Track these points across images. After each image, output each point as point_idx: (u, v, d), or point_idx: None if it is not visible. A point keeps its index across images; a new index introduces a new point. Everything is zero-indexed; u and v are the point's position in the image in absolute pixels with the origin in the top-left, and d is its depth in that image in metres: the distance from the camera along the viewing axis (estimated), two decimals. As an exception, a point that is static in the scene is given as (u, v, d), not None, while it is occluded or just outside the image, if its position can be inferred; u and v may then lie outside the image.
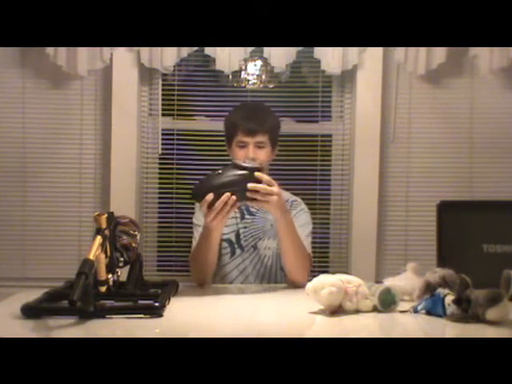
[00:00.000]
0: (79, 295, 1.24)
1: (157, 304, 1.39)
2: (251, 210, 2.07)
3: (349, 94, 2.82)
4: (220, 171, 1.71)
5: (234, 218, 2.05)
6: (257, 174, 1.71)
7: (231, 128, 2.04)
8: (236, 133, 2.01)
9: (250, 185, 1.69)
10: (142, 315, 1.36)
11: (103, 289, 1.44)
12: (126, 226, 1.61)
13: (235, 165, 1.75)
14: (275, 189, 1.73)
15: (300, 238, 1.92)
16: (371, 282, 1.51)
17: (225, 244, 2.03)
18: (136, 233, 1.63)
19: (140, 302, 1.45)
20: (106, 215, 1.46)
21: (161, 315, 1.37)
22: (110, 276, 1.47)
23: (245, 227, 2.06)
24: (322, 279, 1.42)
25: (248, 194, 1.70)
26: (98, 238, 1.41)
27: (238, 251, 2.04)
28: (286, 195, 2.07)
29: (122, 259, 1.56)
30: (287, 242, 1.87)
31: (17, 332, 1.26)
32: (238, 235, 2.05)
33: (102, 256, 1.42)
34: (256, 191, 1.70)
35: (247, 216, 2.07)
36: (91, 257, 1.34)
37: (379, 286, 1.47)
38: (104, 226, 1.44)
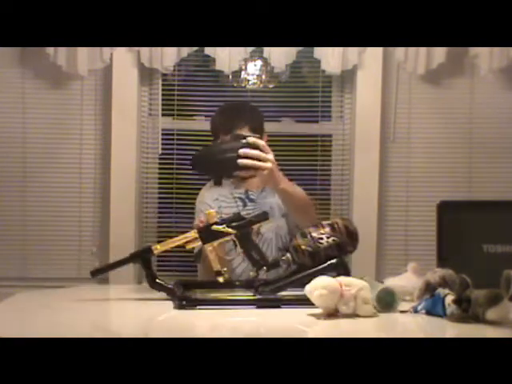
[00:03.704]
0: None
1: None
2: (251, 197, 2.10)
3: (349, 94, 2.82)
4: (219, 141, 1.81)
5: (235, 207, 2.07)
6: (250, 139, 1.66)
7: (212, 131, 2.11)
8: (216, 134, 2.06)
9: (242, 150, 1.63)
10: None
11: (220, 279, 1.63)
12: (321, 229, 1.58)
13: (236, 136, 1.76)
14: (270, 156, 1.68)
15: (302, 192, 1.97)
16: (375, 282, 1.50)
17: None
18: (322, 236, 1.57)
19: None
20: (213, 212, 1.64)
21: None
22: (224, 269, 1.64)
23: (248, 214, 2.06)
24: (319, 281, 1.38)
25: (239, 161, 1.63)
26: (192, 232, 1.62)
27: None
28: None
29: (283, 258, 1.60)
30: (292, 206, 1.91)
31: (17, 332, 1.26)
32: None
33: (210, 248, 1.62)
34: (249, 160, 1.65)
35: (249, 203, 2.09)
36: (159, 246, 1.63)
37: (380, 286, 1.46)
38: (212, 221, 1.61)
